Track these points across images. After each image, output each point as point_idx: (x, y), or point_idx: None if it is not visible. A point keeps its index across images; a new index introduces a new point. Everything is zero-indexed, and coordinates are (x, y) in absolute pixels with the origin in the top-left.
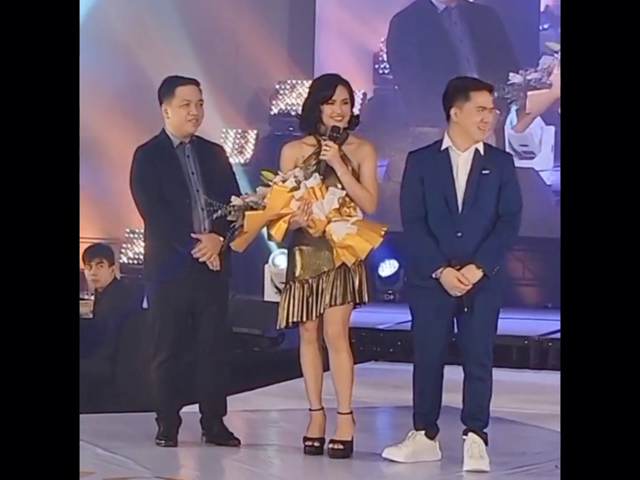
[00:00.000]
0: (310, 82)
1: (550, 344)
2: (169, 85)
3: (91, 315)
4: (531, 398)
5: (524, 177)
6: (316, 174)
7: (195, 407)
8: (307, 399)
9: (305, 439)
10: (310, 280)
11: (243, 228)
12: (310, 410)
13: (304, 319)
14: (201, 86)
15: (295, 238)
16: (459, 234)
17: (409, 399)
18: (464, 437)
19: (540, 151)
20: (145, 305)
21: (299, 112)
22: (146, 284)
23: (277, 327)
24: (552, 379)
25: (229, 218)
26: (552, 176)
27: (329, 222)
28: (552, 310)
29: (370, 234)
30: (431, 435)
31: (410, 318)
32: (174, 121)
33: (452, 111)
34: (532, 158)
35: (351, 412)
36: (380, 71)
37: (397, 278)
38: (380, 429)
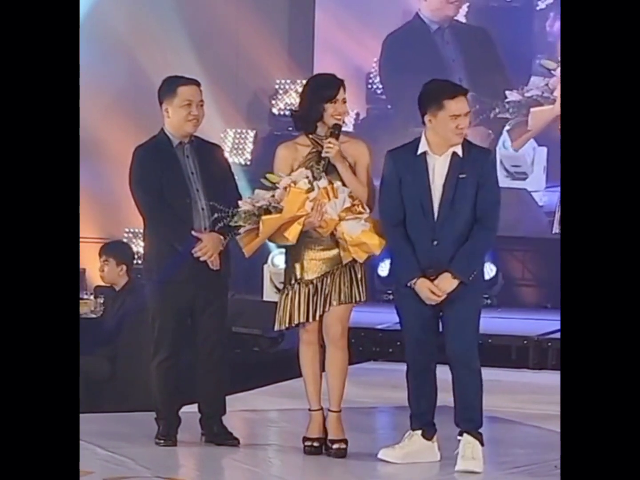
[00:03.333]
0: None
1: (549, 344)
2: (171, 85)
3: (93, 315)
4: (531, 398)
5: (516, 197)
6: (323, 174)
7: (194, 407)
8: (307, 400)
9: (305, 439)
10: (314, 281)
11: (249, 232)
12: (310, 410)
13: (310, 319)
14: (202, 87)
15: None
16: (435, 242)
17: None
18: (459, 437)
19: (532, 172)
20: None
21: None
22: (146, 283)
23: (277, 329)
24: (551, 379)
25: (232, 223)
26: (544, 197)
27: (339, 221)
28: (551, 310)
29: (377, 236)
30: (428, 436)
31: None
32: (174, 121)
33: (426, 118)
34: (524, 179)
35: (340, 410)
36: (373, 91)
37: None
38: (379, 429)
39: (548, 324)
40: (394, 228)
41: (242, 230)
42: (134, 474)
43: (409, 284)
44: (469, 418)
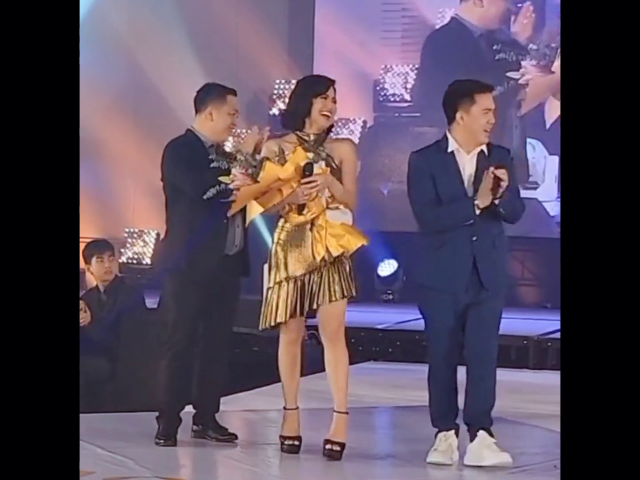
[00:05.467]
0: None
1: (549, 343)
2: (219, 91)
3: (89, 319)
4: (531, 398)
5: (526, 207)
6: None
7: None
8: (284, 398)
9: (284, 437)
10: (302, 277)
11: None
12: (285, 409)
13: (298, 315)
14: None
15: (280, 235)
16: (474, 238)
17: (408, 398)
18: (475, 434)
19: (543, 181)
20: (147, 303)
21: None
22: (167, 274)
23: (262, 328)
24: (551, 379)
25: (236, 170)
26: (555, 207)
27: (323, 209)
28: (551, 310)
29: (360, 232)
30: (457, 433)
31: (408, 318)
32: (217, 125)
33: (458, 115)
34: (535, 188)
35: (347, 412)
36: (380, 98)
37: (396, 278)
38: (379, 428)
39: (548, 324)
40: (427, 206)
41: (235, 182)
42: (134, 474)
43: (477, 209)
44: (488, 415)
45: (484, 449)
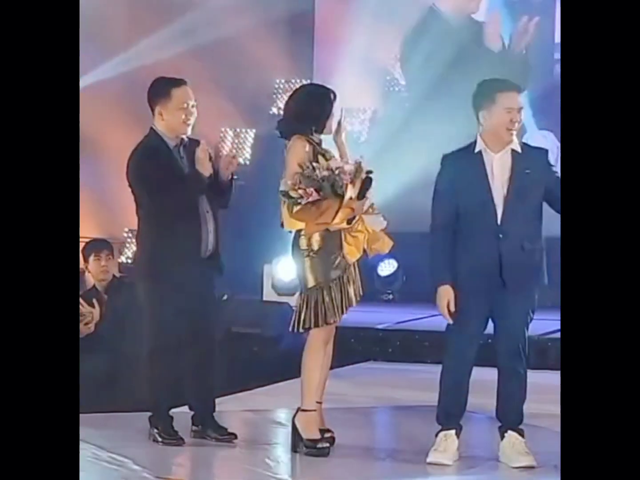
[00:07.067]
0: (309, 82)
1: (549, 343)
2: (162, 87)
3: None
4: (531, 398)
5: None
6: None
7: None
8: (308, 401)
9: (315, 440)
10: (339, 278)
11: (305, 208)
12: (307, 410)
13: (339, 317)
14: (189, 85)
15: (312, 239)
16: (501, 235)
17: (408, 398)
18: (503, 434)
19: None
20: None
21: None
22: (141, 284)
23: (306, 327)
24: (552, 379)
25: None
26: None
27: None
28: (552, 310)
29: (388, 235)
30: (459, 434)
31: (408, 318)
32: (170, 123)
33: (481, 115)
34: None
35: None
36: (390, 87)
37: (396, 278)
38: (379, 428)
39: (548, 323)
40: (439, 231)
41: (309, 198)
42: (134, 474)
43: (438, 288)
44: (516, 414)
45: (511, 450)
